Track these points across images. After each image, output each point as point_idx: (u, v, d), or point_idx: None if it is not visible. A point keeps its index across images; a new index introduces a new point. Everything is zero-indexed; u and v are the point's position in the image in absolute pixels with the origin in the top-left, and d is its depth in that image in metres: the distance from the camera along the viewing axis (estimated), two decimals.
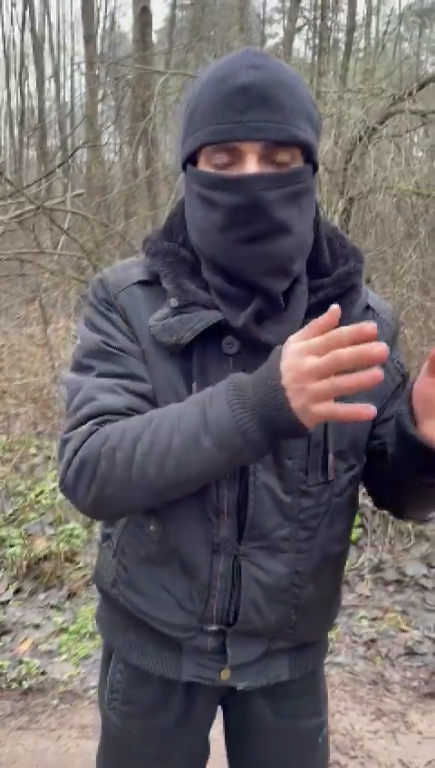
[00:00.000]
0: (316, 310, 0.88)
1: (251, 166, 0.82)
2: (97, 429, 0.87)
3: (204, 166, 0.86)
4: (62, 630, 2.62)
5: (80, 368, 0.95)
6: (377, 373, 0.66)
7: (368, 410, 0.69)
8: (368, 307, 0.99)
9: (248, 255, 0.84)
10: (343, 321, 0.86)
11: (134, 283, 0.95)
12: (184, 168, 0.90)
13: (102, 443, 0.85)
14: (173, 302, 0.90)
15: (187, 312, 0.89)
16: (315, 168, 0.88)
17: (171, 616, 0.98)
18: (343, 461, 0.96)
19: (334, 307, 0.71)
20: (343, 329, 0.68)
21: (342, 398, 0.88)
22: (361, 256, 0.96)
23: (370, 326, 0.67)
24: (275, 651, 1.02)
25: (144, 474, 0.82)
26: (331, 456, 0.94)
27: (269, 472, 0.92)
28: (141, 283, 0.95)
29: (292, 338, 0.75)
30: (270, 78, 0.80)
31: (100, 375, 0.92)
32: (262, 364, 0.81)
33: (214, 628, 0.98)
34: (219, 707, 1.14)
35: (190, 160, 0.89)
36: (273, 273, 0.86)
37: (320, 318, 0.72)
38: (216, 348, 0.90)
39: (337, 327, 0.71)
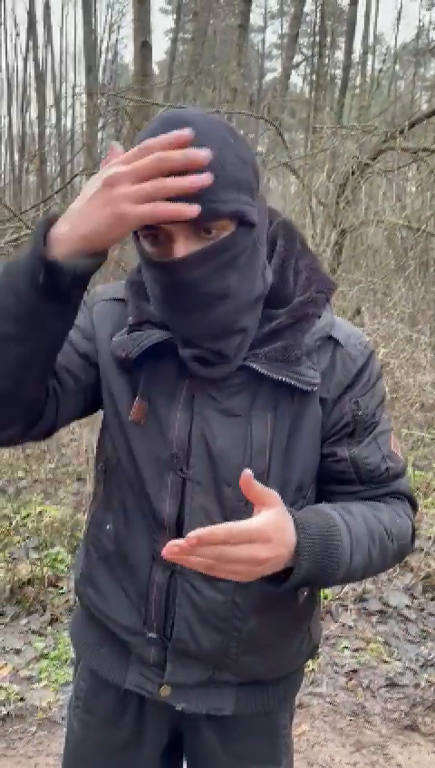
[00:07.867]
0: (266, 339, 0.93)
1: (178, 247, 0.82)
2: None
3: (142, 240, 0.86)
4: (43, 656, 2.60)
5: None
6: (206, 177, 0.68)
7: (191, 208, 0.68)
8: (330, 338, 0.97)
9: (189, 324, 0.88)
10: (294, 349, 0.91)
11: (113, 299, 1.03)
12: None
13: None
14: (130, 320, 0.97)
15: (140, 329, 0.95)
16: (254, 224, 0.86)
17: (122, 616, 1.01)
18: (291, 493, 0.95)
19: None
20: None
21: (289, 454, 0.93)
22: (326, 286, 0.97)
23: (186, 132, 0.68)
24: (220, 682, 1.02)
25: None
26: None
27: (208, 495, 0.94)
28: (119, 300, 1.02)
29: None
30: None
31: None
32: (211, 388, 0.92)
33: (153, 635, 0.99)
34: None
35: None
36: (216, 336, 0.89)
37: None
38: (170, 368, 0.95)
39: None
